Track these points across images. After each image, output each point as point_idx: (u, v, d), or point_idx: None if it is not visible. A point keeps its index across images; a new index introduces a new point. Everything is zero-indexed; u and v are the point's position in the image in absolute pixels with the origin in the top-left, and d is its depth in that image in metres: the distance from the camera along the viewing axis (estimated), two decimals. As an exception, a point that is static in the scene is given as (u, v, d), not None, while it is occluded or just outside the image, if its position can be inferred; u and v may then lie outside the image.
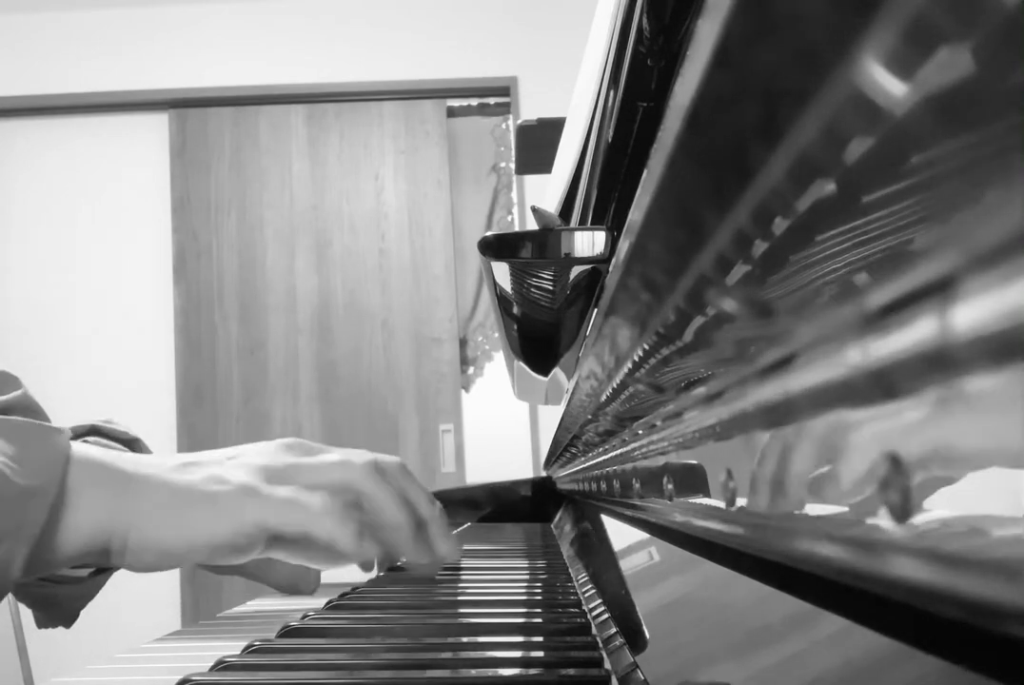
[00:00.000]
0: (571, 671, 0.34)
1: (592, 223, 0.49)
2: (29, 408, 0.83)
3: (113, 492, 0.49)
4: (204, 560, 0.51)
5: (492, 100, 3.12)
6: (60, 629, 0.68)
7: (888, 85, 0.11)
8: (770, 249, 0.17)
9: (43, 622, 0.67)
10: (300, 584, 0.58)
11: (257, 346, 3.00)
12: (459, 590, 0.62)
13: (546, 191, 0.78)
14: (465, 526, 1.33)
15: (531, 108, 2.93)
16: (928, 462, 0.12)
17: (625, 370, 0.37)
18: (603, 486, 0.66)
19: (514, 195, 3.09)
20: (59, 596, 0.64)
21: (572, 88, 0.73)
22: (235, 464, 0.53)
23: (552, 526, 1.27)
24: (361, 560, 0.52)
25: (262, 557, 0.57)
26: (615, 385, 0.42)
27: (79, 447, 0.50)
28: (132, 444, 0.76)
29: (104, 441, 0.73)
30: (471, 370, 3.14)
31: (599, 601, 0.48)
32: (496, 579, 0.66)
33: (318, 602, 0.55)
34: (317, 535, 0.51)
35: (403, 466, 0.59)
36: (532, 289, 0.49)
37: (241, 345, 3.00)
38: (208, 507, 0.50)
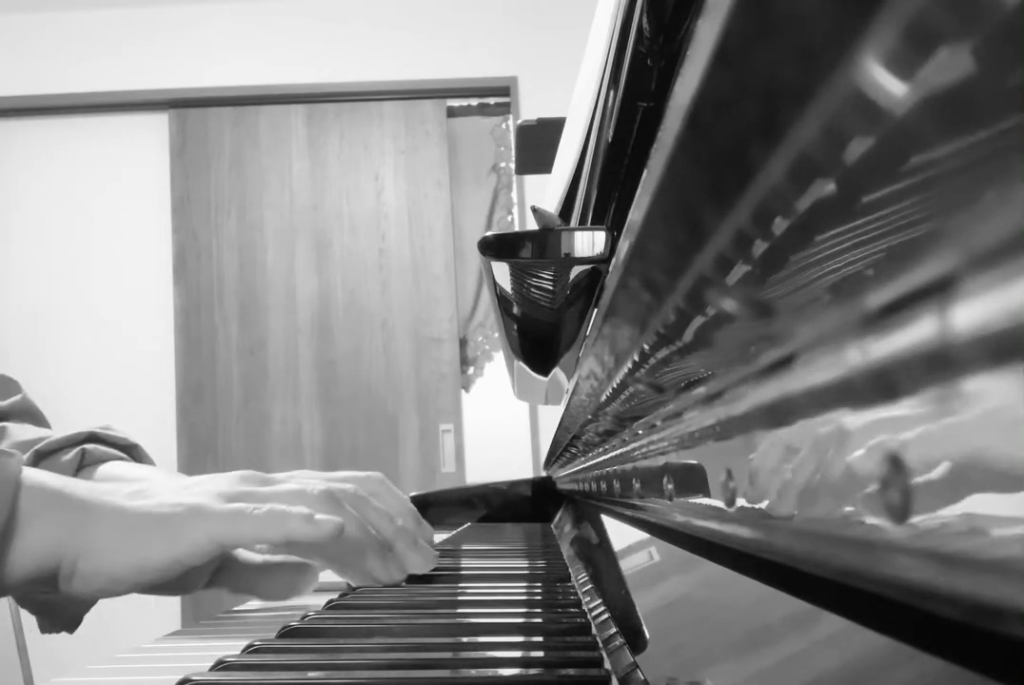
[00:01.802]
0: (571, 671, 0.34)
1: (592, 223, 0.49)
2: (28, 412, 0.83)
3: (65, 519, 0.49)
4: (155, 581, 0.51)
5: (492, 100, 3.12)
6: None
7: (888, 85, 0.11)
8: (770, 249, 0.17)
9: (46, 627, 0.67)
10: (293, 591, 0.59)
11: (257, 346, 3.00)
12: (459, 590, 0.62)
13: (546, 191, 0.78)
14: (465, 526, 1.33)
15: (531, 108, 2.93)
16: (928, 462, 0.12)
17: (625, 370, 0.37)
18: (603, 486, 0.66)
19: (514, 195, 3.09)
20: (60, 602, 0.64)
21: (572, 88, 0.73)
22: (190, 492, 0.53)
23: (552, 526, 1.27)
24: (330, 533, 0.52)
25: (254, 569, 0.57)
26: (615, 385, 0.42)
27: (31, 473, 0.50)
28: (131, 450, 0.76)
29: (103, 447, 0.73)
30: (471, 370, 3.14)
31: (599, 601, 0.48)
32: (496, 579, 0.66)
33: (318, 602, 0.55)
34: (272, 536, 0.51)
35: (356, 492, 0.59)
36: (532, 289, 0.49)
37: (241, 345, 3.00)
38: (158, 529, 0.50)
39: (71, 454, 0.71)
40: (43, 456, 0.72)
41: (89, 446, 0.72)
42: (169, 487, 0.54)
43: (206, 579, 0.59)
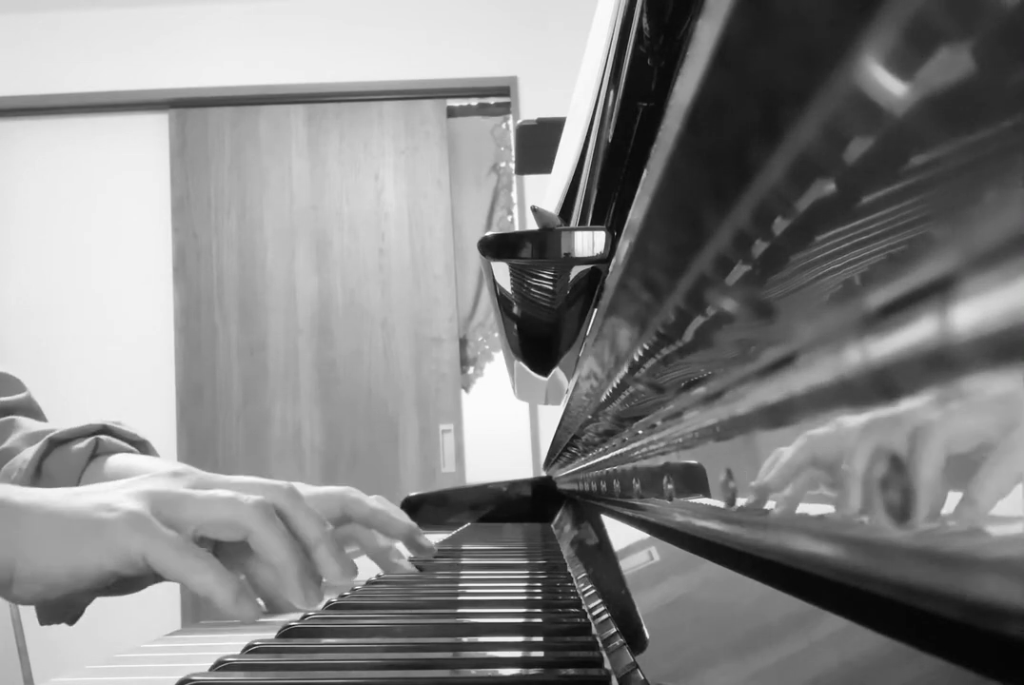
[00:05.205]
0: (571, 671, 0.34)
1: (592, 223, 0.49)
2: (30, 410, 0.85)
3: (1, 526, 0.48)
4: (92, 588, 0.50)
5: (492, 100, 3.12)
6: (60, 629, 0.67)
7: (888, 85, 0.11)
8: (770, 249, 0.17)
9: (45, 619, 0.67)
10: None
11: (257, 346, 3.00)
12: (459, 590, 0.62)
13: (546, 191, 0.78)
14: (465, 526, 1.33)
15: (531, 108, 2.93)
16: (928, 462, 0.12)
17: (625, 370, 0.37)
18: (603, 486, 0.66)
19: (514, 195, 3.10)
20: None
21: (572, 88, 0.73)
22: (124, 493, 0.52)
23: (552, 526, 1.27)
24: (236, 616, 0.52)
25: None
26: (615, 385, 0.42)
27: None
28: (140, 446, 0.77)
29: (115, 440, 0.74)
30: (471, 370, 3.14)
31: (599, 601, 0.48)
32: (496, 579, 0.66)
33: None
34: (192, 586, 0.50)
35: (291, 491, 0.57)
36: (532, 289, 0.49)
37: (241, 345, 3.00)
38: (93, 535, 0.49)
39: (85, 443, 0.72)
40: (57, 444, 0.73)
41: (103, 437, 0.73)
42: (104, 488, 0.53)
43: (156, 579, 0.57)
